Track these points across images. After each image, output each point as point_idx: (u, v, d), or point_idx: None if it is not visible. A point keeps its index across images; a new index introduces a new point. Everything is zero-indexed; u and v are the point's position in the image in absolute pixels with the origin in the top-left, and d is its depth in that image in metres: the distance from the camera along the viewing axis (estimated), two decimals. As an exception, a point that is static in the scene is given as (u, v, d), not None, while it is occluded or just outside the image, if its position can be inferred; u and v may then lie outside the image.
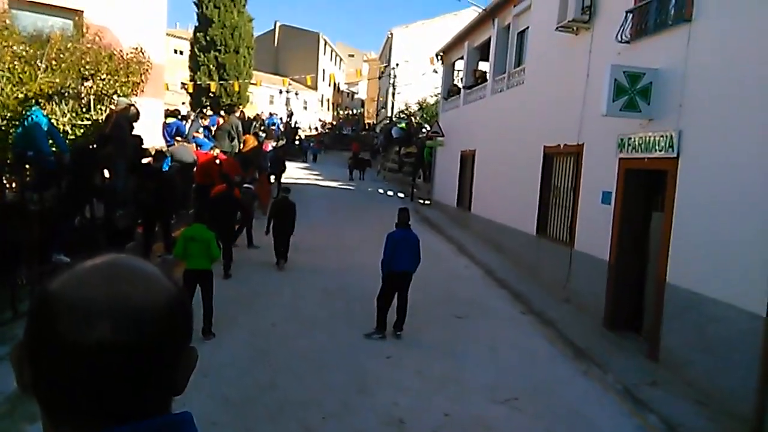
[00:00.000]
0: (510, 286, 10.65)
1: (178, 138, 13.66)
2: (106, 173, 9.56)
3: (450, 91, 20.62)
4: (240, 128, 16.86)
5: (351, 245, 13.17)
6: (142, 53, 10.95)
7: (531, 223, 11.59)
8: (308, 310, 8.76)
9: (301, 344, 7.34)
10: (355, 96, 72.97)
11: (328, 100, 62.48)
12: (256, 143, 18.31)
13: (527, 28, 12.97)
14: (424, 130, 27.15)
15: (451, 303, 9.52)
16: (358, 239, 13.54)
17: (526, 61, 12.89)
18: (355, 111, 60.84)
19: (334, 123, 51.45)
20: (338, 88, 66.18)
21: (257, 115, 29.96)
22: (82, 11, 11.95)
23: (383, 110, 46.32)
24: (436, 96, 28.65)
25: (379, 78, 48.83)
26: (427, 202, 21.35)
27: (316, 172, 28.06)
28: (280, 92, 42.93)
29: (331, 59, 61.93)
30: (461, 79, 19.73)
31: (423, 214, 18.50)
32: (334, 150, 37.64)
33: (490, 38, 15.79)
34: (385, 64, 46.00)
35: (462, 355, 7.39)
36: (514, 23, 13.91)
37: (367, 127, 50.05)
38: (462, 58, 19.16)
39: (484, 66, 17.73)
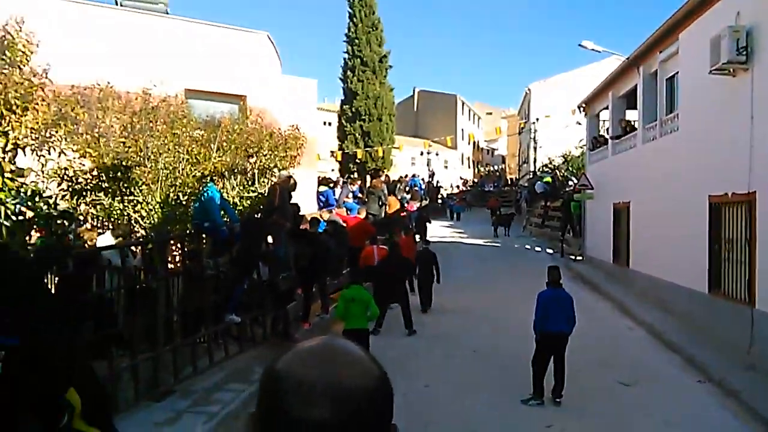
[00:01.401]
0: (681, 350, 9.66)
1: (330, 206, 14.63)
2: (269, 239, 10.37)
3: (596, 141, 19.88)
4: (386, 192, 17.54)
5: (500, 304, 12.85)
6: (298, 129, 11.99)
7: (701, 280, 10.55)
8: (460, 372, 8.62)
9: (456, 408, 7.20)
10: (495, 152, 73.03)
11: (468, 158, 63.08)
12: (398, 205, 18.89)
13: (677, 73, 12.27)
14: (570, 183, 26.24)
15: (615, 368, 8.83)
16: (507, 298, 13.19)
17: (679, 107, 12.12)
18: (496, 167, 60.75)
19: (476, 180, 51.60)
20: (478, 145, 66.73)
21: (401, 177, 31.02)
22: (246, 96, 13.46)
23: (525, 165, 45.71)
24: (580, 148, 27.73)
25: (519, 133, 48.51)
26: (578, 257, 20.38)
27: (460, 230, 28.08)
28: (421, 153, 44.17)
29: (469, 118, 62.87)
30: (607, 129, 18.97)
31: (575, 271, 17.64)
32: (476, 207, 37.52)
33: (635, 86, 15.14)
34: (524, 120, 45.72)
35: (633, 428, 6.77)
36: (662, 69, 13.26)
37: (509, 182, 49.59)
38: (606, 108, 18.49)
39: (630, 114, 16.96)
